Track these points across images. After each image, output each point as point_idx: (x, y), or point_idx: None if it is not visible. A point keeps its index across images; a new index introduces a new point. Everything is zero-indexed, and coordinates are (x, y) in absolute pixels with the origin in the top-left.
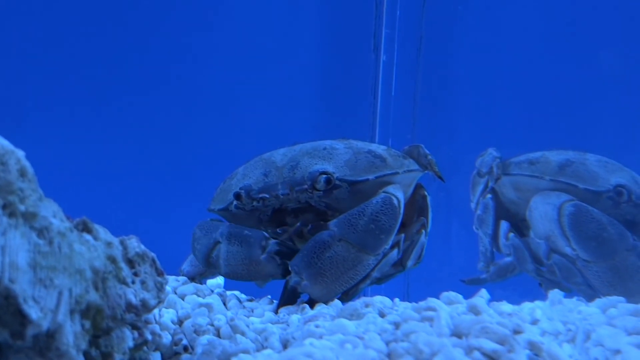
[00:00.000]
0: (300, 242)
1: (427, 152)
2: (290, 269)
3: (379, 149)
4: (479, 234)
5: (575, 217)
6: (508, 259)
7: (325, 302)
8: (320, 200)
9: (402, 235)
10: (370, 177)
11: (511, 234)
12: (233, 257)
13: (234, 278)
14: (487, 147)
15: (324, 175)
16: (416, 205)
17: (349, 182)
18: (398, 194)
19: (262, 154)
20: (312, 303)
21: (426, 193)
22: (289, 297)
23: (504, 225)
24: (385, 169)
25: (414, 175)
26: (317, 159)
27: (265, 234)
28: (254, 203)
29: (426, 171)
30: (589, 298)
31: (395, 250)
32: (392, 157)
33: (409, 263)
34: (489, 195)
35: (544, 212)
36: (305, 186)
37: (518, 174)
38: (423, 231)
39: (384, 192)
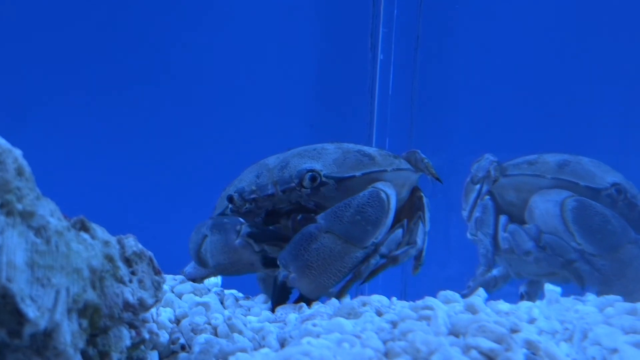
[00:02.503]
0: None
1: (424, 156)
2: (278, 262)
3: (370, 149)
4: (478, 237)
5: (578, 211)
6: (490, 275)
7: (315, 299)
8: (309, 199)
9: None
10: (357, 173)
11: (510, 225)
12: (214, 246)
13: (222, 272)
14: (484, 150)
15: (310, 173)
16: (414, 208)
17: (336, 179)
18: (387, 189)
19: (258, 160)
20: (307, 301)
21: (422, 194)
22: (280, 293)
23: (502, 219)
24: (372, 167)
25: (406, 175)
26: (306, 159)
27: (241, 219)
28: (247, 205)
29: (421, 173)
30: (588, 278)
31: (400, 230)
32: (381, 156)
33: (419, 241)
34: (487, 197)
35: (545, 210)
36: (293, 184)
37: (519, 174)
38: (420, 222)
39: (372, 187)
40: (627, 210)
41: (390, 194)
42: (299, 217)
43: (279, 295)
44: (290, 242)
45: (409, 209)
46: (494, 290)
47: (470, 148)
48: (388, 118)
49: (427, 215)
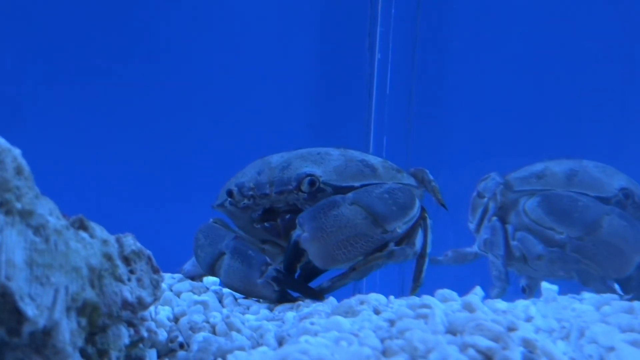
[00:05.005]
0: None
1: (431, 178)
2: (296, 222)
3: (374, 159)
4: (488, 258)
5: (546, 202)
6: (469, 249)
7: (323, 268)
8: (306, 203)
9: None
10: (356, 184)
11: (517, 232)
12: (233, 272)
13: (231, 289)
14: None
15: (309, 177)
16: (417, 226)
17: (334, 187)
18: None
19: (263, 156)
20: (314, 272)
21: (427, 216)
22: (292, 253)
23: (510, 229)
24: (372, 179)
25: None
26: (308, 162)
27: (267, 259)
28: (245, 201)
29: (424, 189)
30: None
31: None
32: (384, 168)
33: (417, 243)
34: (495, 218)
35: (521, 225)
36: (291, 187)
37: (529, 189)
38: (421, 229)
39: None
40: (633, 211)
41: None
42: (287, 217)
43: (291, 257)
44: (314, 205)
45: (411, 227)
46: (468, 262)
47: (468, 147)
48: (386, 117)
49: (429, 237)
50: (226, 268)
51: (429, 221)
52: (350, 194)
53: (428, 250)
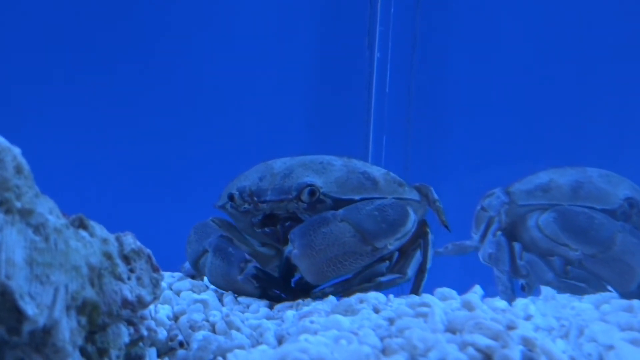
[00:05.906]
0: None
1: (436, 197)
2: (288, 237)
3: (377, 172)
4: (493, 272)
5: (562, 219)
6: (469, 242)
7: (314, 283)
8: (305, 212)
9: (397, 252)
10: (356, 197)
11: (525, 253)
12: (215, 270)
13: (217, 287)
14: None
15: (309, 188)
16: (417, 241)
17: (333, 199)
18: (411, 209)
19: (267, 160)
20: (307, 287)
21: (429, 230)
22: (284, 269)
23: (517, 247)
24: (373, 192)
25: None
26: (310, 172)
27: (247, 255)
28: (246, 205)
29: (425, 203)
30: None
31: (386, 263)
32: (386, 181)
33: (409, 272)
34: (499, 233)
35: (529, 238)
36: (290, 196)
37: (535, 204)
38: (419, 250)
39: None
40: (638, 220)
41: (413, 213)
42: (287, 224)
43: (284, 272)
44: (306, 221)
45: (413, 240)
46: (466, 253)
47: (467, 146)
48: (385, 116)
49: (430, 252)
50: (209, 266)
51: (430, 236)
52: (341, 211)
53: (428, 265)
